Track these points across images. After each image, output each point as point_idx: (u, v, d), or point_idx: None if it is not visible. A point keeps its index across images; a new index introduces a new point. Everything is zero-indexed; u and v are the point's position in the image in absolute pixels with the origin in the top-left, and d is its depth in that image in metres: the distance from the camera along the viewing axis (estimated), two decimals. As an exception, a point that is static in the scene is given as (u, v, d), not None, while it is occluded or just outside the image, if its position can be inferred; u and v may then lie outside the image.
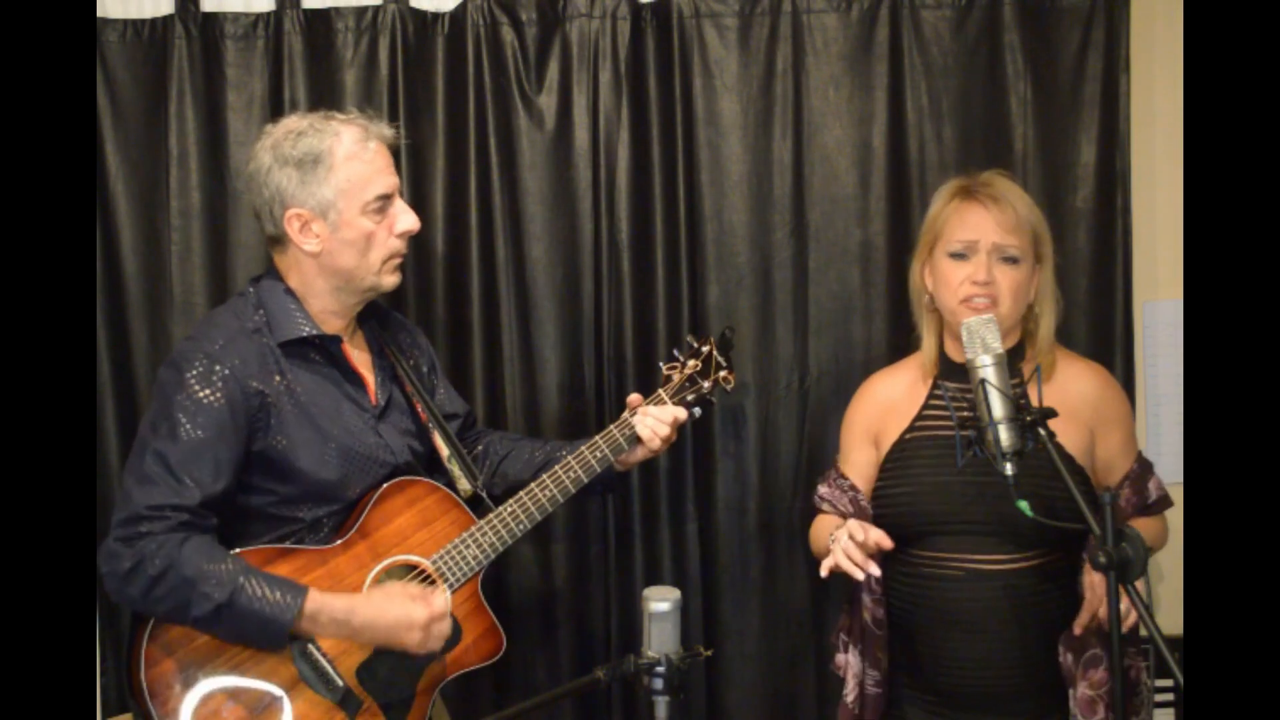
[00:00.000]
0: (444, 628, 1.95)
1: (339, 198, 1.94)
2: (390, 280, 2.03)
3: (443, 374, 2.30)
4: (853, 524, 1.93)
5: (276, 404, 1.93)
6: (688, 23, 2.56)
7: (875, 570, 1.89)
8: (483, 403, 2.58)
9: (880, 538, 1.91)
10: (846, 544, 1.89)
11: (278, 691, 1.89)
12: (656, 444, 2.14)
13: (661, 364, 2.27)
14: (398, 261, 2.03)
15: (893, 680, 2.07)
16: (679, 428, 2.17)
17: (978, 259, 1.99)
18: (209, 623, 1.82)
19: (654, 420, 2.13)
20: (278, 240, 2.00)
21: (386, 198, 1.97)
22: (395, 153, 2.04)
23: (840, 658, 2.13)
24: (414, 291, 2.55)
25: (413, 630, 1.91)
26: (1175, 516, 2.15)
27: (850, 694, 2.09)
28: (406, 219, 2.00)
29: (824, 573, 1.93)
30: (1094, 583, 1.90)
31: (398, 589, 1.96)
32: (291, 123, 1.99)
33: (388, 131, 2.01)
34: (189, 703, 1.86)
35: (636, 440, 2.14)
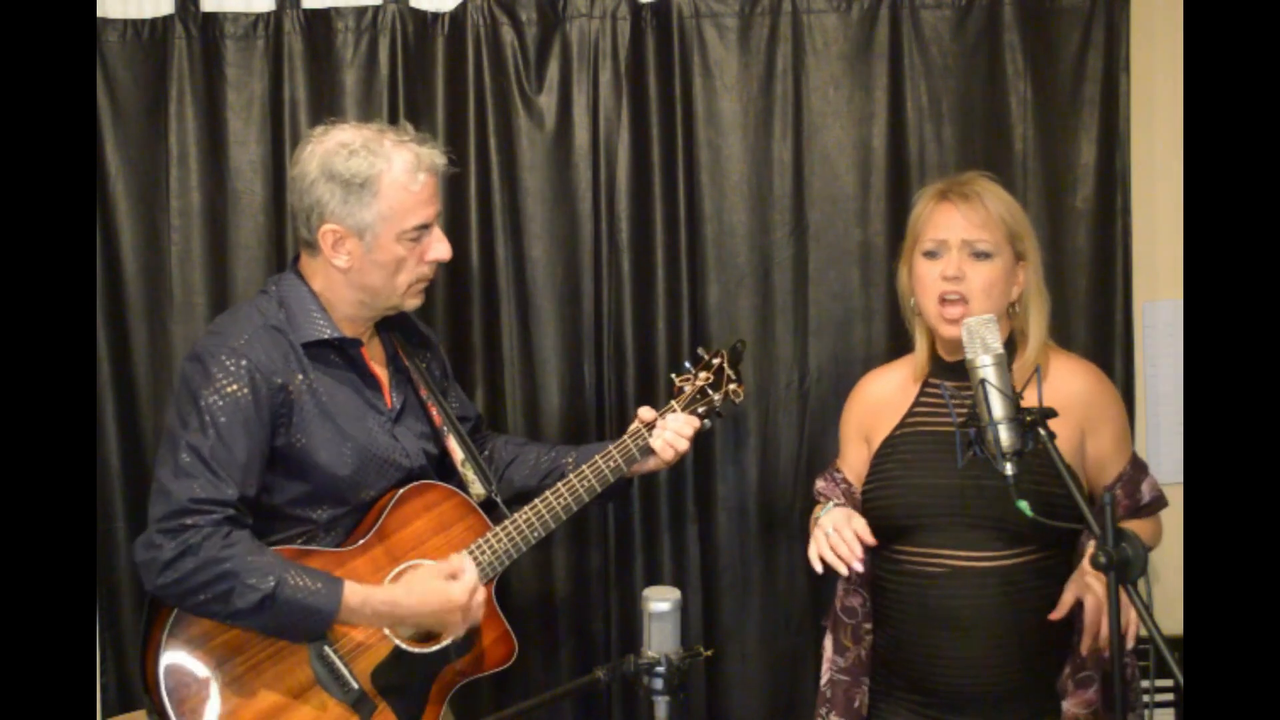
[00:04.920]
0: (480, 597, 1.98)
1: (378, 222, 1.94)
2: (413, 302, 2.05)
3: (454, 379, 2.32)
4: (837, 514, 1.96)
5: (299, 401, 1.94)
6: (688, 23, 2.56)
7: (858, 567, 1.92)
8: (483, 402, 2.58)
9: (861, 528, 1.94)
10: (834, 536, 1.94)
11: (293, 692, 1.90)
12: (669, 454, 2.16)
13: (673, 375, 2.28)
14: (423, 285, 2.04)
15: (875, 679, 2.07)
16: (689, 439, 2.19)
17: (949, 256, 1.99)
18: (251, 614, 1.82)
19: (673, 434, 2.15)
20: (310, 244, 2.01)
21: (425, 227, 1.98)
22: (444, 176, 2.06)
23: (824, 642, 2.15)
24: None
25: (454, 612, 1.94)
26: (1175, 516, 2.15)
27: (824, 677, 2.12)
28: (439, 248, 2.01)
29: (813, 559, 1.96)
30: (1091, 605, 1.88)
31: (429, 572, 1.98)
32: (345, 135, 1.97)
33: (439, 159, 2.01)
34: (205, 701, 1.86)
35: (648, 451, 2.16)
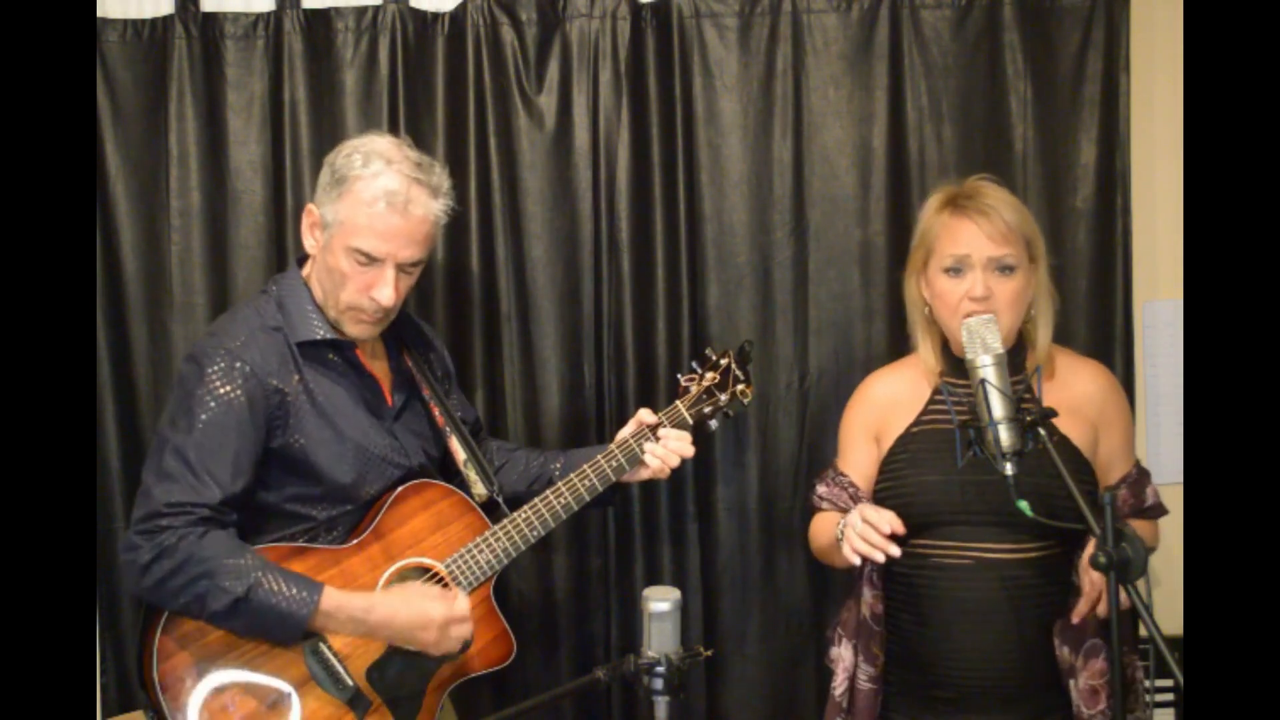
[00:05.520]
0: (462, 631, 1.97)
1: (335, 224, 1.98)
2: (352, 329, 2.02)
3: (455, 381, 2.33)
4: (864, 507, 1.95)
5: (295, 402, 1.95)
6: (688, 23, 2.56)
7: (895, 550, 1.90)
8: (483, 402, 2.58)
9: (892, 518, 1.92)
10: (862, 528, 1.91)
11: (288, 689, 1.90)
12: (657, 464, 2.18)
13: (679, 375, 2.29)
14: (362, 316, 2.00)
15: (885, 680, 2.07)
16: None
17: (973, 274, 1.97)
18: (226, 616, 1.83)
19: (665, 452, 2.17)
20: None
21: (372, 258, 1.96)
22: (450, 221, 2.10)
23: (834, 650, 2.14)
24: (414, 291, 2.55)
25: (429, 629, 1.93)
26: (1175, 517, 2.15)
27: (839, 687, 2.10)
28: (381, 291, 1.97)
29: (850, 557, 1.93)
30: (1093, 576, 1.89)
31: (416, 589, 1.98)
32: (364, 140, 2.02)
33: (420, 209, 1.97)
34: (199, 696, 1.87)
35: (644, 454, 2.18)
